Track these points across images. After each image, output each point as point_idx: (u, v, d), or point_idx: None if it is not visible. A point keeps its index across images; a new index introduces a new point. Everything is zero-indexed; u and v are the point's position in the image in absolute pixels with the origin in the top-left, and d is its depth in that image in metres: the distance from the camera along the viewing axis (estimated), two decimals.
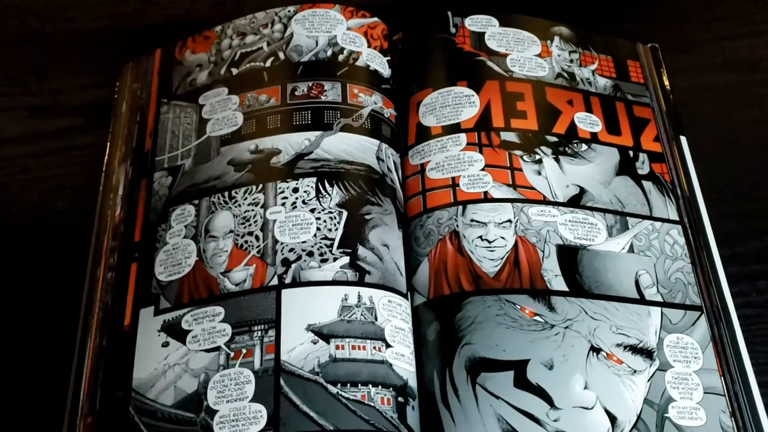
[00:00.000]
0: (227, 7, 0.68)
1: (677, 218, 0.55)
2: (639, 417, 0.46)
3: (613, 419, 0.46)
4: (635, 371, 0.48)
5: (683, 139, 0.60)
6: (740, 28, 0.68)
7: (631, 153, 0.57)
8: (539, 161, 0.55)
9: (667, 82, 0.62)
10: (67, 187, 0.61)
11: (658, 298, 0.51)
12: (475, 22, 0.61)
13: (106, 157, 0.60)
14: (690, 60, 0.66)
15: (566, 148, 0.56)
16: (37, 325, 0.55)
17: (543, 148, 0.56)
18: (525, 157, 0.55)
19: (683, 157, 0.59)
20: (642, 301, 0.51)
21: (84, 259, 0.55)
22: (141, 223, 0.54)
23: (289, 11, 0.60)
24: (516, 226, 0.52)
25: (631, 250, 0.53)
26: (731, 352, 0.50)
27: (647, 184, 0.56)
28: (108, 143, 0.60)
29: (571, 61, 0.61)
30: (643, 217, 0.54)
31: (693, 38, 0.67)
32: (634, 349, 0.49)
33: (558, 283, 0.50)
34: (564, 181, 0.55)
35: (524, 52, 0.60)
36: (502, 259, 0.51)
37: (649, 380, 0.48)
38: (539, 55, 0.60)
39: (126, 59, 0.64)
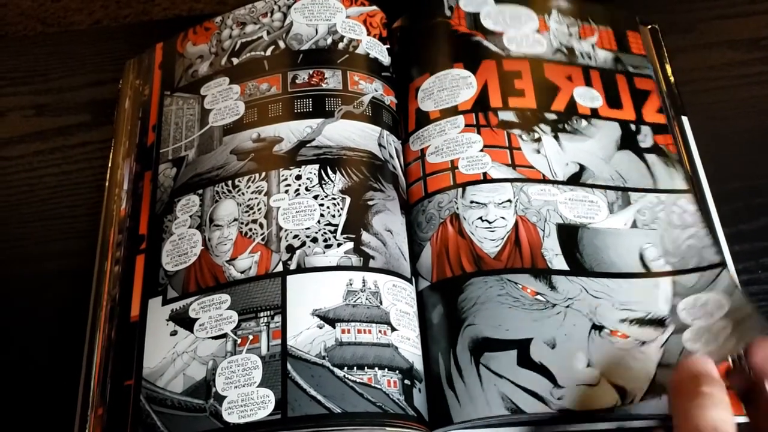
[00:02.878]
0: (228, 6, 0.69)
1: (686, 187, 0.54)
2: (653, 381, 0.46)
3: (622, 391, 0.46)
4: (644, 342, 0.48)
5: (685, 119, 0.59)
6: (741, 7, 0.68)
7: (633, 127, 0.57)
8: (538, 140, 0.55)
9: (668, 64, 0.62)
10: (74, 184, 0.62)
11: (668, 268, 0.51)
12: (469, 2, 0.61)
13: (111, 153, 0.60)
14: (691, 39, 0.66)
15: (566, 125, 0.56)
16: (47, 319, 0.55)
17: (542, 126, 0.56)
18: (523, 136, 0.55)
19: (685, 136, 0.58)
20: (647, 274, 0.50)
21: (92, 254, 0.56)
22: (147, 215, 0.55)
23: (288, 0, 0.60)
24: (516, 206, 0.52)
25: (634, 225, 0.52)
26: None
27: (650, 157, 0.56)
28: (112, 139, 0.61)
29: (570, 34, 0.60)
30: (647, 191, 0.54)
31: (694, 17, 0.67)
32: (642, 322, 0.48)
33: (558, 262, 0.50)
34: (563, 159, 0.55)
35: (521, 29, 0.60)
36: (502, 239, 0.51)
37: (662, 346, 0.47)
38: (537, 31, 0.60)
39: (128, 56, 0.65)
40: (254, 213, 0.52)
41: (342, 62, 0.57)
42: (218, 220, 0.52)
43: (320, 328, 0.47)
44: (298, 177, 0.52)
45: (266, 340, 0.47)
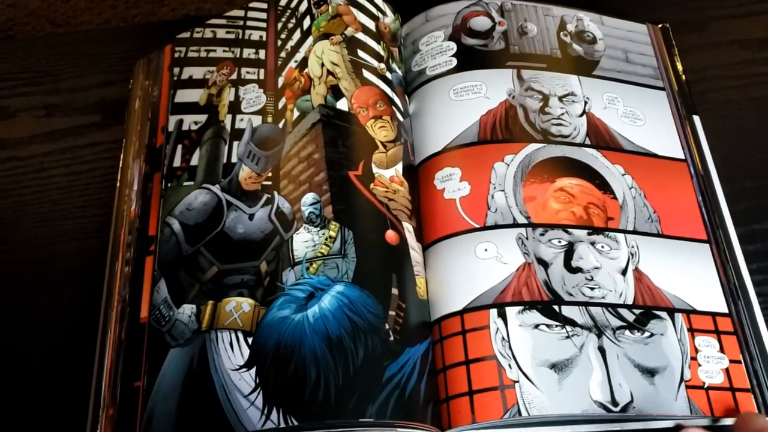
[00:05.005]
0: (236, 6, 0.68)
1: None
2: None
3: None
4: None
5: (696, 119, 0.59)
6: (752, 6, 0.67)
7: None
8: None
9: (679, 63, 0.62)
10: (84, 184, 0.62)
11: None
12: None
13: (122, 153, 0.60)
14: (703, 38, 0.65)
15: None
16: (58, 319, 0.55)
17: None
18: None
19: (697, 135, 0.58)
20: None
21: (103, 254, 0.56)
22: (156, 217, 0.55)
23: None
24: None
25: None
26: (750, 330, 0.50)
27: None
28: (123, 139, 0.61)
29: None
30: None
31: (705, 16, 0.67)
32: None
33: None
34: None
35: None
36: None
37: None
38: None
39: (138, 56, 0.64)
40: None
41: None
42: None
43: None
44: None
45: None
